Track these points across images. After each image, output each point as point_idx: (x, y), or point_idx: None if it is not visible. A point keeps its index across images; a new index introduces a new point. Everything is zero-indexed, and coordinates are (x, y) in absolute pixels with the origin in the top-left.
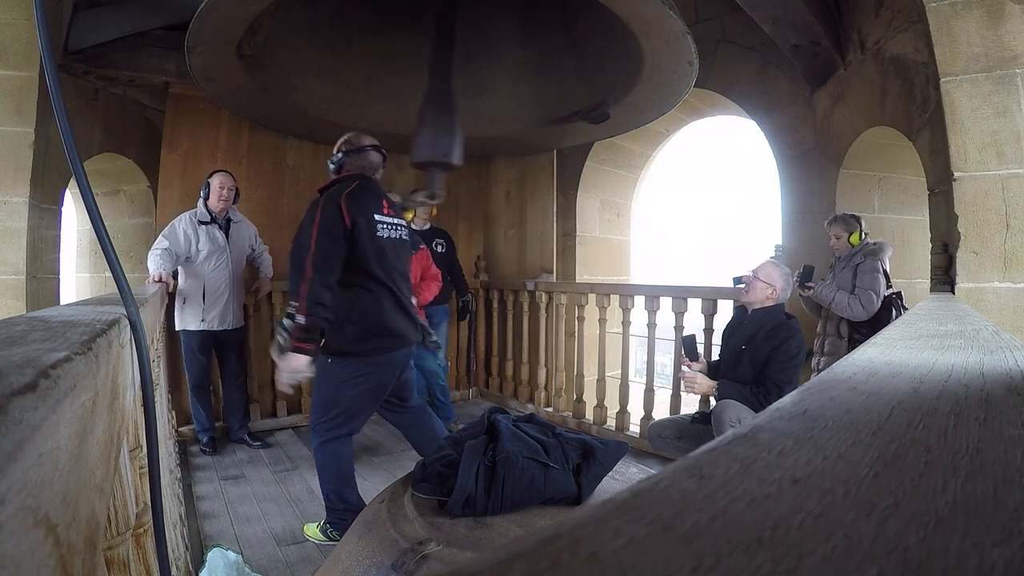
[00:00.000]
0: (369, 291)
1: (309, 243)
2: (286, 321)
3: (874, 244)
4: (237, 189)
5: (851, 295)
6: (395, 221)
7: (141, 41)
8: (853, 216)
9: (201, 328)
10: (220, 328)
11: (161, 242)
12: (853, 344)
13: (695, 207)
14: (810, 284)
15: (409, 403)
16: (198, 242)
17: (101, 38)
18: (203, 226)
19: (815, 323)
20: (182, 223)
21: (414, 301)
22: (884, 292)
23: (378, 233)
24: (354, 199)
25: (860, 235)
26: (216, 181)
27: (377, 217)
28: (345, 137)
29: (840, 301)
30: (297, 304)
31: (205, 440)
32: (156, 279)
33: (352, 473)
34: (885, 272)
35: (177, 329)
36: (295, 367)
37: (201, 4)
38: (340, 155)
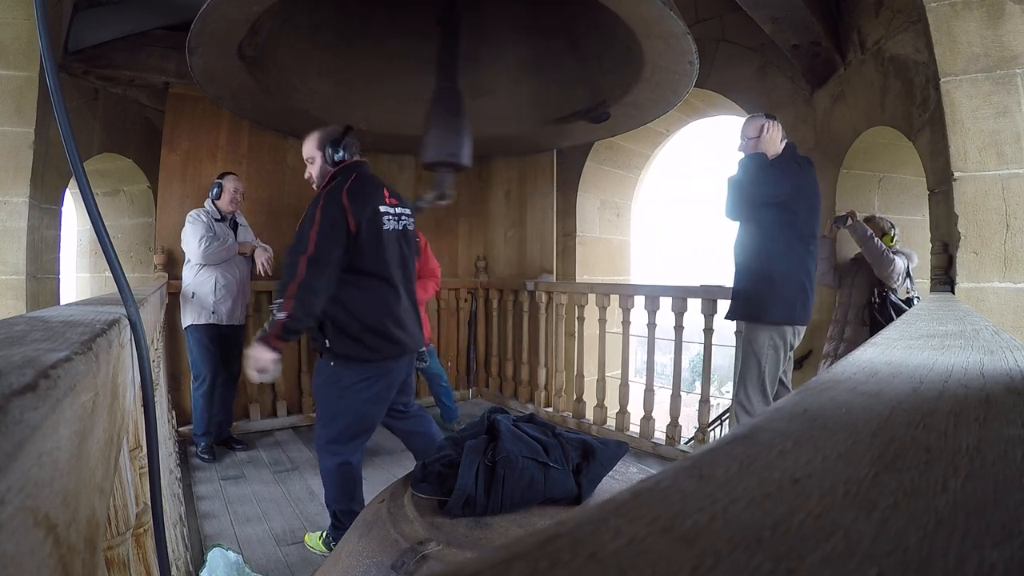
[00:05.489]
0: (375, 291)
1: (307, 245)
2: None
3: (903, 250)
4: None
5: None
6: (399, 211)
7: (141, 41)
8: (888, 221)
9: (210, 322)
10: (228, 323)
11: (203, 231)
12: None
13: (695, 207)
14: (850, 222)
15: (410, 409)
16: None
17: (101, 38)
18: (216, 223)
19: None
20: (200, 216)
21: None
22: (902, 278)
23: (385, 227)
24: (356, 194)
25: (892, 239)
26: (231, 184)
27: (382, 209)
28: (323, 131)
29: (879, 244)
30: (283, 302)
31: (204, 446)
32: (250, 250)
33: (361, 488)
34: (909, 274)
35: (185, 326)
36: (261, 361)
37: (202, 5)
38: (338, 141)
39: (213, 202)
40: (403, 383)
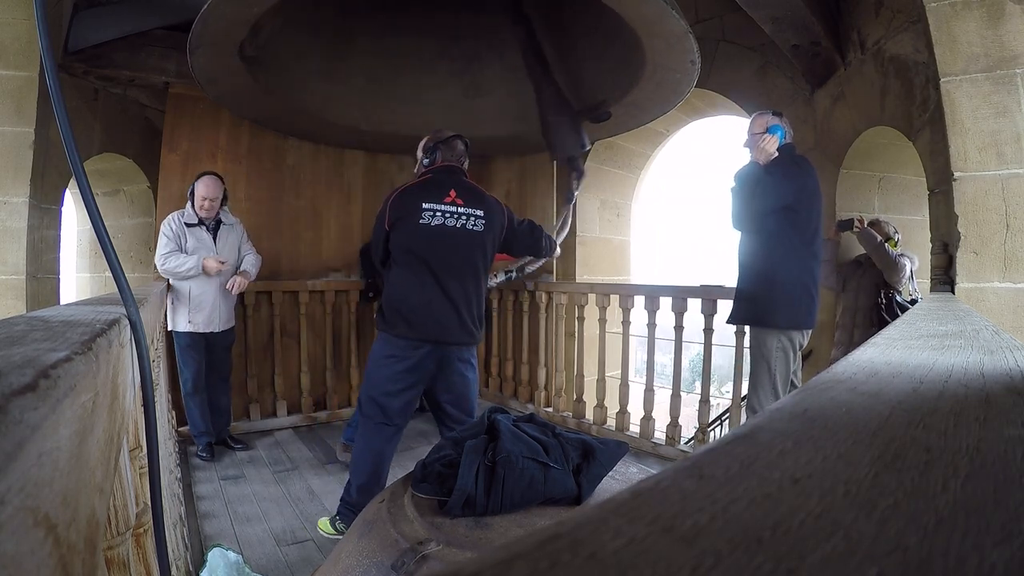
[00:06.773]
0: (406, 277)
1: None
2: None
3: (905, 253)
4: (225, 192)
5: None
6: (459, 210)
7: (141, 41)
8: (892, 226)
9: (189, 330)
10: (207, 331)
11: (165, 245)
12: None
13: (695, 207)
14: (858, 227)
15: (464, 421)
16: (185, 243)
17: (101, 38)
18: (190, 228)
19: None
20: (171, 224)
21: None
22: (906, 278)
23: (421, 220)
24: (405, 196)
25: (895, 243)
26: (199, 191)
27: (427, 205)
28: (431, 135)
29: (889, 250)
30: None
31: (203, 445)
32: (216, 268)
33: (385, 471)
34: (912, 276)
35: (169, 329)
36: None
37: (203, 6)
38: (431, 149)
39: (191, 206)
40: (441, 378)
